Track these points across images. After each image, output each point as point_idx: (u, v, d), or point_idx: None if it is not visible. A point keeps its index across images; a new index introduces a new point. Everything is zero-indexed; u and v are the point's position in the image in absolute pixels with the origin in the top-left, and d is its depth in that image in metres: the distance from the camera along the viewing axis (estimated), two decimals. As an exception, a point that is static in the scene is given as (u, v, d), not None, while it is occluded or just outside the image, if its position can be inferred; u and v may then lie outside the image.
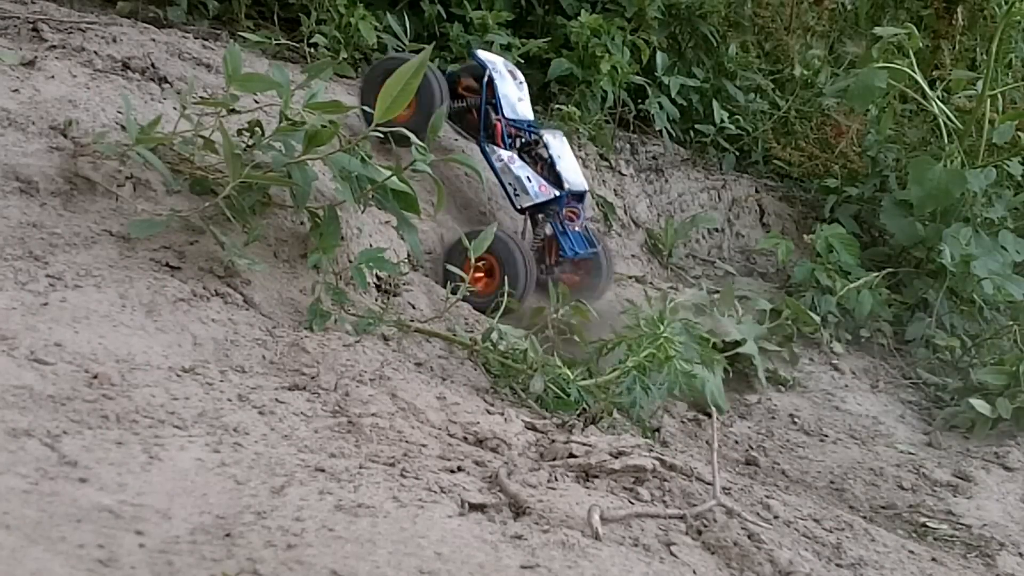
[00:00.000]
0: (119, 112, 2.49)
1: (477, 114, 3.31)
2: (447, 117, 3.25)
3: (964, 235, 3.87)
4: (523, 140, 3.36)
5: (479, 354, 2.46)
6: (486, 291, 2.99)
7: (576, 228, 3.29)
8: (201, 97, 2.45)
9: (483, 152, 3.27)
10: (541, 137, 3.34)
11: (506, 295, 2.58)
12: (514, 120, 3.32)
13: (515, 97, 3.34)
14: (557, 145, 3.35)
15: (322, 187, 2.48)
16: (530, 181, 3.18)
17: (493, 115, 3.28)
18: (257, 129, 2.29)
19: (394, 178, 2.28)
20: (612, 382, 2.39)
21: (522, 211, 3.27)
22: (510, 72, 3.38)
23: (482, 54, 3.38)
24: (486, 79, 3.29)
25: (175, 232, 2.16)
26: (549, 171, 3.29)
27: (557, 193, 3.22)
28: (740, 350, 3.22)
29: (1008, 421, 3.22)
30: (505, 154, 3.23)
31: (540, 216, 3.28)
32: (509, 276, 2.85)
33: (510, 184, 3.20)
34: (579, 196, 3.32)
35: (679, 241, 4.19)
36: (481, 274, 3.04)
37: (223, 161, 2.19)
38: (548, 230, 3.27)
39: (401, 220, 2.36)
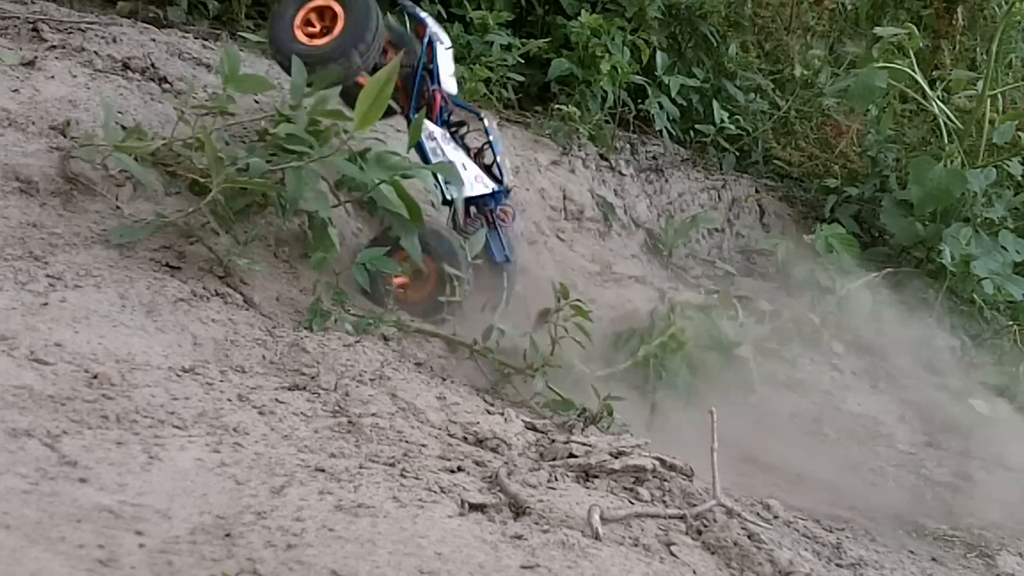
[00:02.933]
0: (119, 112, 2.49)
1: (404, 82, 2.64)
2: (369, 72, 2.52)
3: (964, 235, 3.87)
4: (453, 119, 2.81)
5: (479, 354, 2.46)
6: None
7: (511, 230, 2.81)
8: (200, 104, 2.45)
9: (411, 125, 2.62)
10: (481, 119, 2.82)
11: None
12: (449, 95, 2.76)
13: (449, 68, 2.77)
14: (495, 131, 2.85)
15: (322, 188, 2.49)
16: (465, 169, 2.64)
17: (430, 83, 2.68)
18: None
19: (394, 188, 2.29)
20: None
21: (449, 203, 2.72)
22: (440, 32, 2.82)
23: (417, 9, 2.83)
24: (426, 39, 2.69)
25: (175, 233, 2.16)
26: (481, 160, 2.78)
27: (495, 188, 2.75)
28: (736, 352, 3.21)
29: (1008, 421, 3.22)
30: (437, 130, 2.64)
31: (470, 211, 2.76)
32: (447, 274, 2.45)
33: (442, 175, 2.61)
34: (507, 194, 2.84)
35: (679, 241, 4.18)
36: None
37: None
38: (476, 227, 2.73)
39: (398, 224, 2.37)
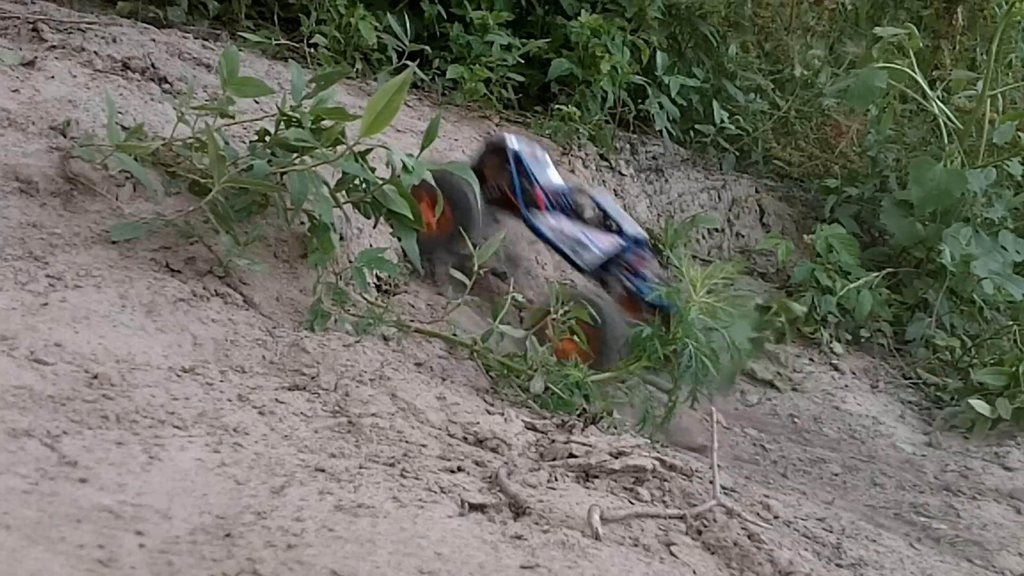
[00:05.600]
0: (119, 112, 2.49)
1: (511, 192, 3.06)
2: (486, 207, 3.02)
3: (964, 235, 3.87)
4: (565, 203, 3.11)
5: (479, 354, 2.46)
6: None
7: (650, 275, 3.00)
8: (200, 104, 2.45)
9: (528, 224, 3.05)
10: (585, 192, 3.15)
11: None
12: (550, 186, 3.10)
13: (542, 166, 3.14)
14: (605, 198, 3.16)
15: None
16: (588, 237, 2.99)
17: (527, 183, 3.06)
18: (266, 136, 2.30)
19: (396, 188, 2.29)
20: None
21: (589, 272, 3.02)
22: (528, 145, 3.17)
23: (496, 135, 3.26)
24: (510, 154, 3.06)
25: (175, 233, 2.16)
26: (602, 224, 3.06)
27: (622, 243, 3.01)
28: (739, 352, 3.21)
29: (1008, 421, 3.22)
30: (551, 217, 3.03)
31: (610, 273, 3.02)
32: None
33: (569, 248, 2.99)
34: (642, 243, 3.07)
35: (679, 241, 4.18)
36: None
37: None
38: (620, 287, 2.99)
39: (398, 226, 2.37)
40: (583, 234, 3.00)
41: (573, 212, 3.11)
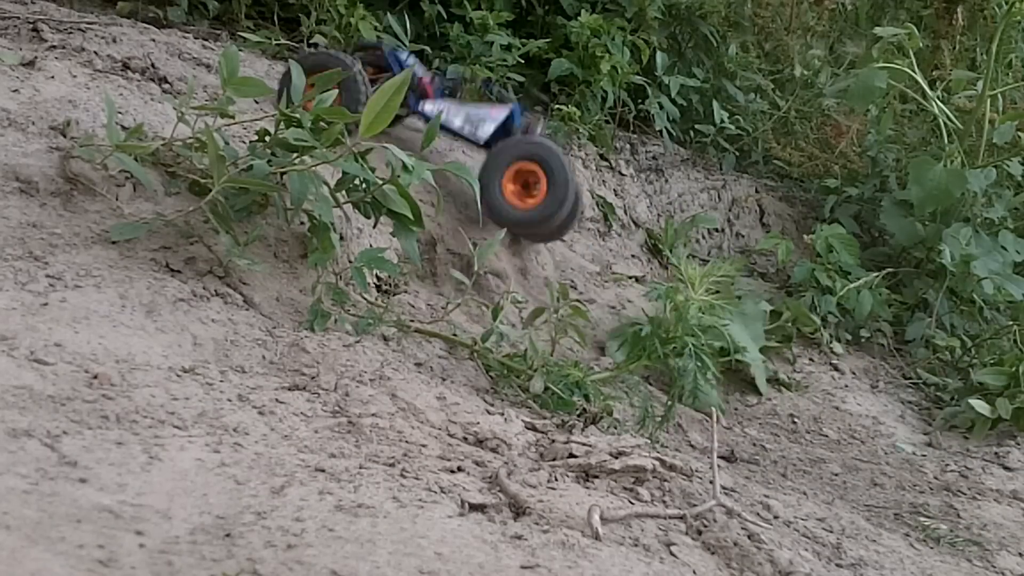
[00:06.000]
0: (119, 112, 2.49)
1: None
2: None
3: (964, 235, 3.87)
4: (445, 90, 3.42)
5: (479, 354, 2.46)
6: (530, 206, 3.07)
7: (539, 131, 3.32)
8: (200, 105, 2.45)
9: (422, 115, 3.23)
10: (449, 76, 3.46)
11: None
12: (424, 74, 3.33)
13: (412, 61, 3.39)
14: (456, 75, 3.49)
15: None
16: (479, 111, 3.21)
17: (413, 78, 3.25)
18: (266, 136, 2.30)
19: (396, 188, 2.28)
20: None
21: (488, 144, 3.20)
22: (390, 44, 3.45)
23: (364, 41, 3.51)
24: (388, 55, 3.29)
25: (175, 233, 2.16)
26: (481, 97, 3.35)
27: (510, 107, 3.26)
28: (743, 357, 3.21)
29: (1008, 421, 3.22)
30: (440, 103, 3.24)
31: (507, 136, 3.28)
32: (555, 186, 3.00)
33: (465, 124, 3.19)
34: (521, 104, 3.39)
35: (679, 241, 4.18)
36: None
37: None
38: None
39: (398, 226, 2.37)
40: (474, 110, 3.22)
41: (449, 92, 3.41)
